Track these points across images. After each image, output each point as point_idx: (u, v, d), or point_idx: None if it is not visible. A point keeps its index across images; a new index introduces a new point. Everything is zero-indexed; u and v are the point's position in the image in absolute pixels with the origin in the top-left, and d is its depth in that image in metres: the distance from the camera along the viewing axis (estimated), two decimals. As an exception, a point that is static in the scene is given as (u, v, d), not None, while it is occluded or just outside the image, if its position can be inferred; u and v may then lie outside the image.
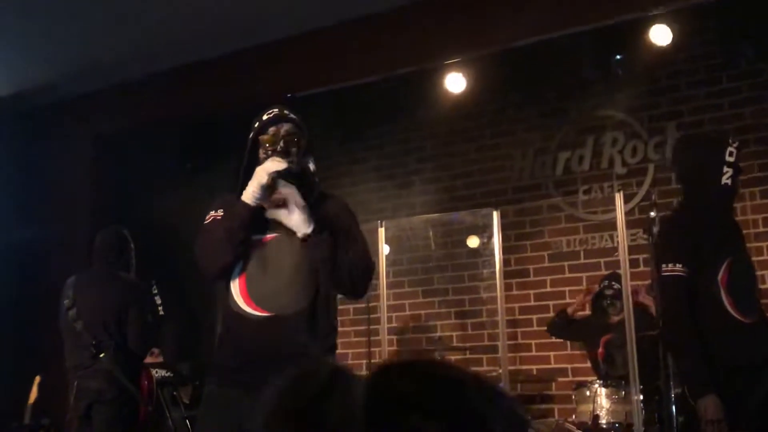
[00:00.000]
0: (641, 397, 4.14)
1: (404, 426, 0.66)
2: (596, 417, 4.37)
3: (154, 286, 5.15)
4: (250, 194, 2.56)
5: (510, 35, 4.83)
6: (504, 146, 6.09)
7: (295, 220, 2.54)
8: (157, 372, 4.94)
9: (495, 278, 4.86)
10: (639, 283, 4.79)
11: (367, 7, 5.08)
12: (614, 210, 4.44)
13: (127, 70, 5.80)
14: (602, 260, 5.54)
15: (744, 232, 3.34)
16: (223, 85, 5.66)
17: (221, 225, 2.61)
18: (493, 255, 4.93)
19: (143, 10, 5.02)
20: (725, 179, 3.05)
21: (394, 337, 5.94)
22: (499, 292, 4.79)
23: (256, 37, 5.41)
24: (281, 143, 2.61)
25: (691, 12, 4.80)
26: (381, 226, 5.01)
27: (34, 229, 5.86)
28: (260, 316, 2.54)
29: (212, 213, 2.69)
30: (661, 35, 4.83)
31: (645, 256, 4.79)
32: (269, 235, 2.61)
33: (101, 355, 4.11)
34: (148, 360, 4.80)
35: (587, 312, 5.20)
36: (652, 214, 4.28)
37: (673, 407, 4.08)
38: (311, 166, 2.72)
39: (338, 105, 5.75)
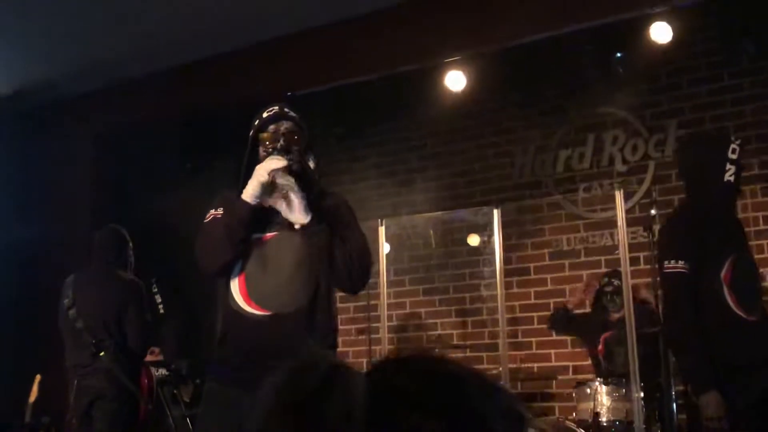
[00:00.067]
0: (642, 394, 4.13)
1: (404, 424, 0.66)
2: (597, 415, 4.37)
3: (155, 285, 5.16)
4: (250, 193, 2.56)
5: (510, 33, 4.83)
6: (504, 144, 6.08)
7: (293, 209, 2.54)
8: (158, 371, 4.94)
9: (495, 276, 4.85)
10: (639, 281, 4.79)
11: (367, 5, 5.07)
12: (614, 208, 4.43)
13: (127, 69, 5.80)
14: (603, 258, 5.54)
15: (745, 229, 3.35)
16: (223, 83, 5.65)
17: (221, 223, 2.61)
18: (493, 253, 4.92)
19: (143, 9, 5.02)
20: (728, 176, 3.05)
21: (395, 336, 5.94)
22: (499, 290, 4.79)
23: (256, 36, 5.41)
24: (281, 141, 2.60)
25: (692, 9, 4.80)
26: (381, 225, 5.00)
27: (34, 228, 5.86)
28: (260, 314, 2.54)
29: (212, 211, 2.68)
30: (661, 33, 4.82)
31: (645, 253, 4.79)
32: (269, 234, 2.61)
33: (101, 354, 4.12)
34: (149, 359, 4.80)
35: (587, 309, 5.20)
36: (653, 211, 4.30)
37: (674, 405, 4.09)
38: (311, 164, 2.72)
39: (338, 103, 5.75)
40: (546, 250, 5.81)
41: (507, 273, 5.15)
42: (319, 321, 2.57)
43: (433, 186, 6.16)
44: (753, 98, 5.29)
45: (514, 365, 5.38)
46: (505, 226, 4.98)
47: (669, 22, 4.77)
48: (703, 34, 5.30)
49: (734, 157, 3.07)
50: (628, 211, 4.75)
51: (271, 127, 2.64)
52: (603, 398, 4.40)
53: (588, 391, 4.47)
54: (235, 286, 2.59)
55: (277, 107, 2.69)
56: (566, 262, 5.72)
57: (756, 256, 3.63)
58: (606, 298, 4.96)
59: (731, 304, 2.95)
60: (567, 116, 5.89)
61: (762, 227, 5.13)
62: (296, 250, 2.57)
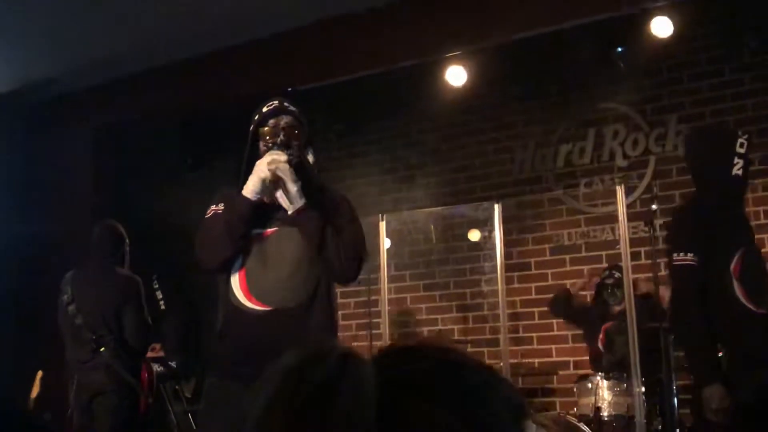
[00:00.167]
0: (643, 389, 4.14)
1: (415, 414, 0.66)
2: (598, 409, 4.37)
3: (155, 282, 5.16)
4: (250, 189, 2.56)
5: (511, 28, 4.82)
6: (505, 139, 6.08)
7: (288, 194, 2.53)
8: (159, 367, 4.95)
9: (496, 271, 4.85)
10: (640, 275, 4.79)
11: (367, 0, 5.06)
12: (615, 203, 4.43)
13: (127, 66, 5.78)
14: (603, 253, 5.54)
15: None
16: (223, 79, 5.64)
17: (221, 219, 2.61)
18: (494, 248, 4.92)
19: (143, 5, 5.01)
20: (736, 170, 3.07)
21: (395, 331, 5.94)
22: (500, 286, 4.79)
23: (256, 31, 5.39)
24: (281, 135, 2.60)
25: (693, 4, 4.79)
26: (382, 220, 5.00)
27: (35, 225, 5.86)
28: (260, 310, 2.54)
29: (213, 207, 2.68)
30: (662, 27, 4.81)
31: (646, 248, 4.79)
32: (269, 229, 2.61)
33: (101, 350, 4.12)
34: (150, 355, 4.81)
35: (589, 301, 5.21)
36: (654, 206, 4.31)
37: (675, 399, 4.10)
38: (310, 158, 2.72)
39: (339, 99, 5.74)
40: (547, 245, 5.81)
41: (508, 268, 5.15)
42: (320, 316, 2.57)
43: (434, 181, 6.16)
44: (754, 93, 5.28)
45: (515, 360, 5.39)
46: (505, 221, 4.98)
47: (670, 17, 4.77)
48: (704, 28, 5.29)
49: (742, 151, 3.09)
50: (628, 206, 4.74)
51: (271, 122, 2.63)
52: (604, 393, 4.40)
53: (589, 385, 4.48)
54: (236, 281, 2.59)
55: (276, 102, 2.69)
56: (567, 257, 5.72)
57: (759, 250, 3.63)
58: (607, 292, 4.97)
59: (741, 296, 2.96)
60: (568, 111, 5.89)
61: (763, 221, 5.13)
62: (297, 245, 2.57)
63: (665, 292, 4.35)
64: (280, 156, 2.53)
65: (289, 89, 5.01)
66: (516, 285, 5.77)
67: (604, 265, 5.32)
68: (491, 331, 5.69)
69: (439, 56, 5.21)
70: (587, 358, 5.21)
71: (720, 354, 3.01)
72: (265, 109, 2.67)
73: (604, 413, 4.37)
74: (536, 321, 5.72)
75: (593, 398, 4.41)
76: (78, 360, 4.22)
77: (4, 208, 6.19)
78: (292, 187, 2.53)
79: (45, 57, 5.73)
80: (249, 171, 2.58)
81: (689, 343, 3.05)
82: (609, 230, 5.55)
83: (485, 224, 5.55)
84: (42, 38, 5.43)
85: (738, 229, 3.12)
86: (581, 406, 4.52)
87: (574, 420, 4.37)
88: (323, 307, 2.59)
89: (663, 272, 4.77)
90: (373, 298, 5.50)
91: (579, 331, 5.37)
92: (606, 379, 4.44)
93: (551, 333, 5.61)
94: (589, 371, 4.91)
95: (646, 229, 4.42)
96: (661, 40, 4.88)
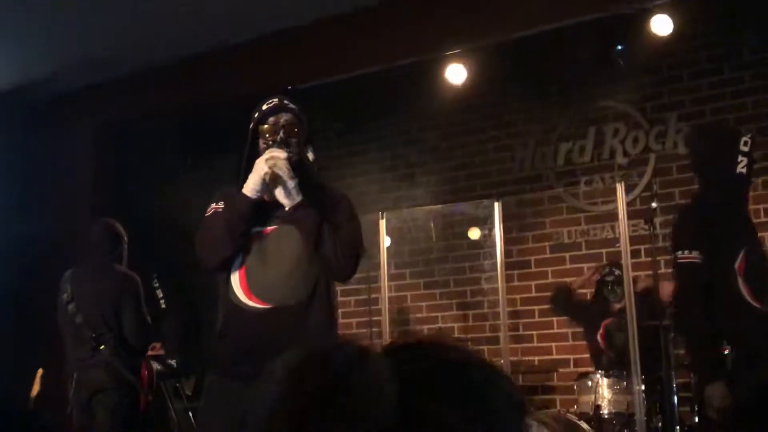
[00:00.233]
0: (643, 387, 4.14)
1: (426, 412, 0.66)
2: (598, 407, 4.38)
3: (156, 280, 5.16)
4: (250, 187, 2.56)
5: (511, 26, 4.82)
6: (505, 137, 6.08)
7: (286, 190, 2.54)
8: (159, 365, 4.95)
9: (496, 269, 4.85)
10: (640, 273, 4.79)
11: (366, -2, 5.06)
12: (615, 201, 4.43)
13: (128, 63, 5.78)
14: (604, 251, 5.54)
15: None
16: (223, 78, 5.64)
17: (222, 218, 2.61)
18: (494, 246, 4.92)
19: (144, 3, 5.01)
20: (740, 168, 3.08)
21: (396, 329, 5.94)
22: (500, 284, 4.79)
23: (256, 30, 5.39)
24: (281, 133, 2.60)
25: (693, 2, 4.78)
26: (382, 218, 5.00)
27: (35, 223, 5.86)
28: (260, 308, 2.55)
29: (213, 205, 2.69)
30: (662, 25, 4.81)
31: (646, 246, 4.79)
32: (269, 228, 2.61)
33: (101, 348, 4.13)
34: (150, 354, 4.81)
35: (589, 299, 5.21)
36: (654, 204, 4.31)
37: (675, 397, 4.10)
38: (310, 156, 2.72)
39: (339, 97, 5.74)
40: (547, 243, 5.81)
41: (508, 266, 5.15)
42: (320, 314, 2.57)
43: (434, 179, 6.16)
44: (754, 91, 5.28)
45: (515, 358, 5.39)
46: (505, 219, 4.98)
47: (669, 15, 4.76)
48: (704, 26, 5.28)
49: (746, 149, 3.10)
50: (629, 204, 4.74)
51: (271, 119, 2.64)
52: (604, 391, 4.41)
53: (589, 383, 4.48)
54: (236, 279, 2.59)
55: (276, 99, 2.69)
56: (567, 255, 5.72)
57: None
58: (607, 289, 4.97)
59: (746, 294, 2.98)
60: (568, 109, 5.89)
61: (763, 219, 5.12)
62: (297, 244, 2.57)
63: (664, 288, 4.37)
64: (279, 153, 2.53)
65: (290, 88, 5.00)
66: (516, 283, 5.77)
67: (604, 263, 5.32)
68: (491, 329, 5.69)
69: (439, 54, 5.21)
70: (587, 355, 5.22)
71: (726, 352, 3.03)
72: (264, 107, 2.67)
73: (604, 411, 4.37)
74: (536, 319, 5.72)
75: (593, 396, 4.41)
76: (78, 358, 4.23)
77: (3, 206, 6.19)
78: (290, 183, 2.53)
79: (45, 55, 5.73)
80: (249, 169, 2.59)
81: (693, 340, 3.07)
82: (609, 228, 5.55)
83: (485, 222, 5.55)
84: (41, 36, 5.43)
85: (741, 228, 3.14)
86: (581, 404, 4.53)
87: (574, 418, 4.38)
88: (323, 304, 2.59)
89: (663, 270, 4.78)
90: (373, 296, 5.51)
91: (579, 329, 5.37)
92: (606, 376, 4.44)
93: (551, 331, 5.61)
94: (590, 369, 4.91)
95: (646, 227, 4.42)
96: (661, 38, 4.88)
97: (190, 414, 4.96)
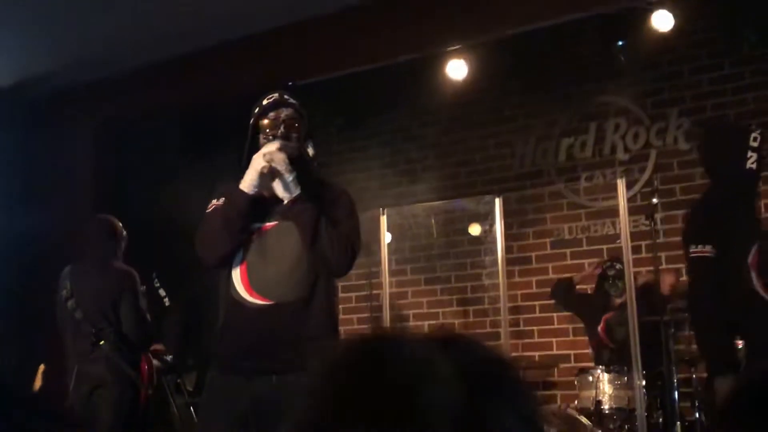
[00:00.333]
0: (643, 382, 4.15)
1: (485, 412, 0.66)
2: (599, 403, 4.38)
3: (156, 279, 5.16)
4: (248, 183, 2.56)
5: (512, 21, 4.81)
6: (506, 133, 6.07)
7: (283, 183, 2.54)
8: (158, 362, 4.96)
9: (497, 265, 4.86)
10: (641, 269, 4.79)
11: (367, -7, 5.06)
12: (616, 196, 4.43)
13: (128, 61, 5.78)
14: (604, 247, 5.54)
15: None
16: (223, 74, 5.64)
17: (220, 214, 2.61)
18: (495, 242, 4.92)
19: (143, 1, 5.01)
20: (750, 164, 3.09)
21: (397, 325, 5.94)
22: (501, 280, 4.79)
23: (256, 25, 5.38)
24: (281, 128, 2.60)
25: (694, -3, 4.78)
26: (383, 214, 5.00)
27: (36, 219, 5.86)
28: (260, 304, 2.55)
29: (214, 201, 2.69)
30: (663, 21, 4.80)
31: (647, 242, 4.80)
32: (269, 223, 2.61)
33: (101, 343, 4.14)
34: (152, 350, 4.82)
35: (590, 293, 5.22)
36: (654, 200, 4.32)
37: (676, 393, 4.11)
38: (310, 151, 2.72)
39: (339, 93, 5.73)
40: (547, 239, 5.82)
41: (508, 262, 5.16)
42: (320, 310, 2.57)
43: (435, 175, 6.16)
44: (754, 86, 5.28)
45: (516, 353, 5.40)
46: (506, 215, 4.99)
47: (670, 11, 4.76)
48: (705, 22, 5.28)
49: (755, 145, 3.11)
50: (629, 200, 4.74)
51: (271, 114, 2.64)
52: (605, 386, 4.42)
53: (590, 379, 4.49)
54: (237, 275, 2.60)
55: (276, 94, 2.69)
56: (568, 251, 5.72)
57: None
58: (608, 283, 4.98)
59: (759, 289, 2.98)
60: (569, 105, 5.88)
61: (763, 215, 5.12)
62: (297, 239, 2.57)
63: (665, 280, 4.38)
64: (275, 146, 2.53)
65: (290, 84, 5.01)
66: (517, 279, 5.77)
67: (605, 259, 5.32)
68: (492, 325, 5.70)
69: (440, 50, 5.20)
70: (588, 351, 5.23)
71: (739, 346, 3.05)
72: (265, 102, 2.67)
73: (605, 406, 4.38)
74: (537, 314, 5.73)
75: (594, 391, 4.42)
76: (78, 353, 4.24)
77: (4, 204, 6.20)
78: (288, 177, 2.53)
79: (44, 52, 5.73)
80: (249, 164, 2.59)
81: (704, 333, 3.08)
82: (610, 224, 5.55)
83: (486, 218, 5.54)
84: (41, 33, 5.42)
85: (753, 223, 3.16)
86: (582, 399, 4.53)
87: (574, 413, 4.39)
88: (324, 300, 2.59)
89: (664, 266, 4.79)
90: (374, 292, 5.51)
91: (580, 325, 5.38)
92: (607, 372, 4.45)
93: (552, 326, 5.62)
94: (590, 364, 4.92)
95: (647, 222, 4.42)
96: (662, 33, 4.88)
97: (192, 409, 4.97)
